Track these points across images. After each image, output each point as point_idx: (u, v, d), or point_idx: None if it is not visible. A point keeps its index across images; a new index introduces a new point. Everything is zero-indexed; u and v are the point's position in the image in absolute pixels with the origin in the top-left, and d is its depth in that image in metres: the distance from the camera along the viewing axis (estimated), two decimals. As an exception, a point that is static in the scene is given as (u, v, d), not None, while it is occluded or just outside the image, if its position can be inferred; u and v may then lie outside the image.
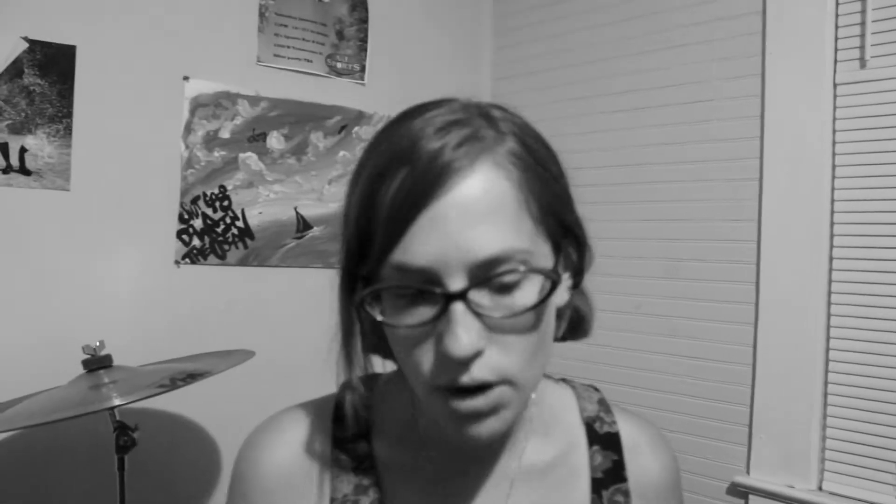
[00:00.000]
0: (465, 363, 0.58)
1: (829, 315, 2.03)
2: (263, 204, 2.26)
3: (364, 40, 2.47)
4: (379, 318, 0.61)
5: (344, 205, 0.65)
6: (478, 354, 0.58)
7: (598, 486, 0.76)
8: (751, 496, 2.12)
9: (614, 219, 2.43)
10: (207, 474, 2.17)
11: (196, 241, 2.13)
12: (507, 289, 0.59)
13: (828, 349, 2.03)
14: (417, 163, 0.57)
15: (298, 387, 2.24)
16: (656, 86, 2.35)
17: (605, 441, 0.79)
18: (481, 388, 0.59)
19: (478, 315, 0.58)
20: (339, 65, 2.41)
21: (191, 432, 2.13)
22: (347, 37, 2.43)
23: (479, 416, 0.61)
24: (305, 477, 0.73)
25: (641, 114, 2.38)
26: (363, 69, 2.47)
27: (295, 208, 2.33)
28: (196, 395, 1.81)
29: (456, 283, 0.57)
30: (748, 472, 2.14)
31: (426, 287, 0.58)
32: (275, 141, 2.27)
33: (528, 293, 0.60)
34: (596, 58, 2.52)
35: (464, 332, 0.57)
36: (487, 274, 0.58)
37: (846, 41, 2.01)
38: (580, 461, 0.77)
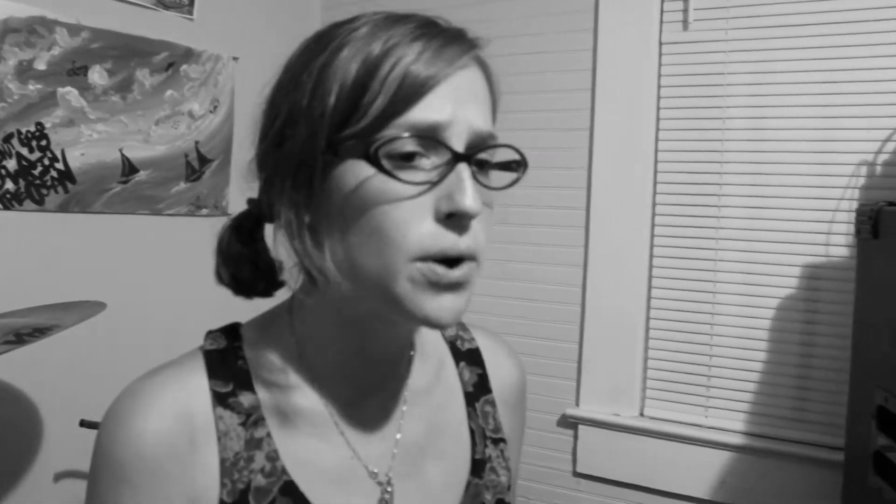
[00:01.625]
0: (467, 226, 0.62)
1: (651, 257, 2.22)
2: (86, 144, 2.07)
3: (192, -28, 2.31)
4: (387, 168, 0.60)
5: (307, 73, 0.65)
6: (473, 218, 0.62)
7: (470, 399, 0.83)
8: (580, 426, 2.29)
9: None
10: (37, 442, 1.99)
11: (10, 185, 1.91)
12: (484, 167, 0.66)
13: (650, 287, 2.22)
14: (445, 34, 0.65)
15: (138, 343, 2.13)
16: (492, 35, 2.39)
17: (468, 357, 0.85)
18: (459, 260, 0.63)
19: (474, 180, 0.63)
20: (165, -3, 2.24)
21: (14, 398, 1.94)
22: (174, -33, 2.26)
23: (455, 287, 0.63)
24: (189, 443, 0.66)
25: (479, 63, 2.42)
26: (192, 3, 2.31)
27: (120, 150, 2.15)
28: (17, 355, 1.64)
29: (459, 145, 0.62)
30: (577, 405, 2.30)
31: (440, 142, 0.62)
32: (97, 76, 2.08)
33: (492, 176, 0.68)
34: (428, 6, 2.52)
35: (474, 189, 0.61)
36: (481, 147, 0.64)
37: (671, 3, 2.18)
38: (451, 378, 0.83)
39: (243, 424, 0.68)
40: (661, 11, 2.18)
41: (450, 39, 0.65)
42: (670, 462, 2.15)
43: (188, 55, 2.31)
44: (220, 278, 0.72)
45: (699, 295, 2.16)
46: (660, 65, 2.18)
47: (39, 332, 1.36)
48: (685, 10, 2.14)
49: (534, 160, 2.31)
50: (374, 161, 0.60)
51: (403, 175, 0.60)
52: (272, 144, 0.66)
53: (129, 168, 2.18)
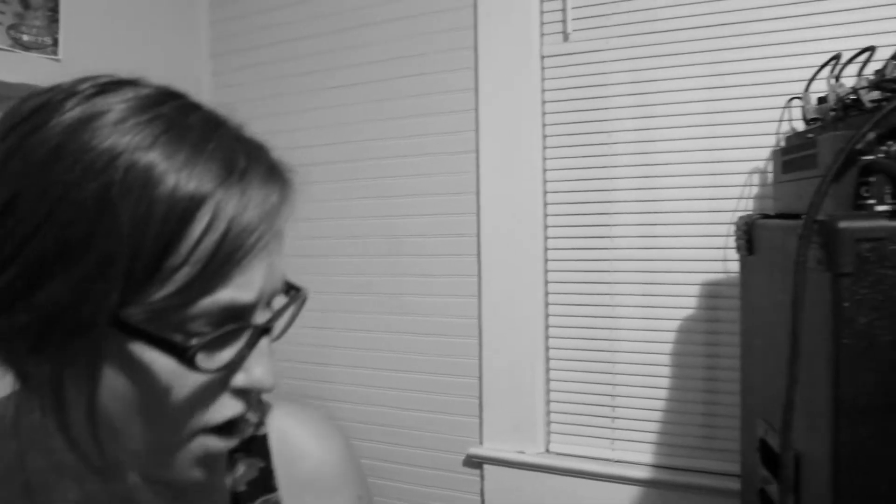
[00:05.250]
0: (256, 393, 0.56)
1: (546, 283, 2.09)
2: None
3: (55, 10, 2.20)
4: (206, 367, 0.50)
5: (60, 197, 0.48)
6: None
7: (240, 500, 0.68)
8: (485, 465, 2.15)
9: (337, 198, 2.36)
10: None
11: None
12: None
13: (547, 315, 2.09)
14: (262, 162, 0.54)
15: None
16: (375, 60, 2.29)
17: (248, 447, 0.70)
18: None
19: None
20: (25, 37, 2.13)
21: None
22: (34, 6, 2.15)
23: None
24: None
25: (361, 89, 2.31)
26: (56, 42, 2.20)
27: (-22, 201, 2.03)
28: None
29: (262, 314, 0.55)
30: (481, 443, 2.16)
31: (246, 324, 0.53)
32: (-55, 124, 1.97)
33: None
34: (317, 32, 2.41)
35: (271, 362, 0.55)
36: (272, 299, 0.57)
37: (550, 15, 2.06)
38: (217, 477, 0.68)
39: None
40: (541, 23, 2.07)
41: (268, 174, 0.54)
42: (579, 500, 2.01)
43: (54, 97, 2.19)
44: None
45: (598, 321, 2.02)
46: (542, 79, 2.06)
47: None
48: (564, 21, 2.03)
49: (422, 187, 2.22)
50: (183, 357, 0.49)
51: (207, 361, 0.51)
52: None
53: None
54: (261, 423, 0.71)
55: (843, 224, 1.07)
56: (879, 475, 1.07)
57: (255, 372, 0.53)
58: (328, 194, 2.36)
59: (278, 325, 0.57)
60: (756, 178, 1.86)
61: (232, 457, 0.69)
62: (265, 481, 0.69)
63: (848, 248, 1.08)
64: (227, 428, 0.55)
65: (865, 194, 1.19)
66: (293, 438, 0.72)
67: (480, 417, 2.16)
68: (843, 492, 1.09)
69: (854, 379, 1.08)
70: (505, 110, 2.09)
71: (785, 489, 1.11)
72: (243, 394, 0.54)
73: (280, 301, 0.59)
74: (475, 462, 2.16)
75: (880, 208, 1.16)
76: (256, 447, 0.70)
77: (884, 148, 1.18)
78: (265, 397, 0.73)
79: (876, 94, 1.29)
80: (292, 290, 0.60)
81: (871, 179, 1.18)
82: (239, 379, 0.53)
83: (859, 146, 1.18)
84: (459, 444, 2.18)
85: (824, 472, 1.12)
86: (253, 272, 0.51)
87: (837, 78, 1.48)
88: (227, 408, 0.54)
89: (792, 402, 1.12)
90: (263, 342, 0.54)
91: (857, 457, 1.08)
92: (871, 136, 1.18)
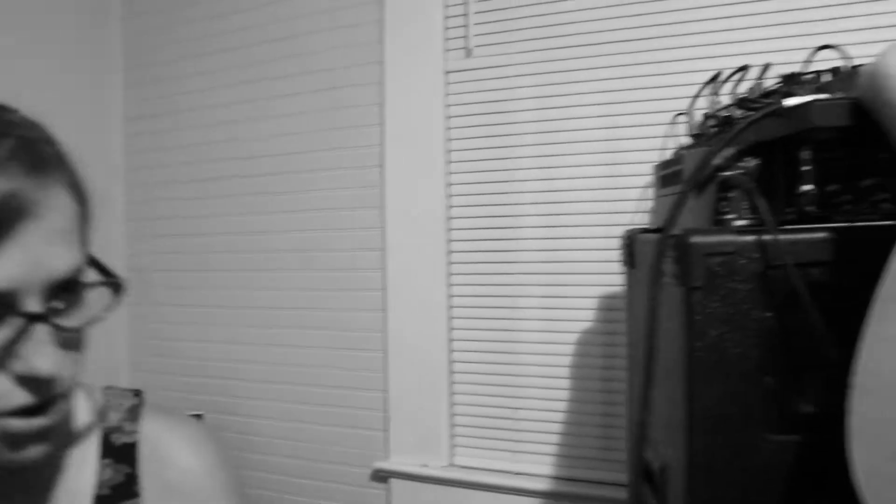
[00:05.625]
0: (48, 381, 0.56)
1: (449, 297, 2.10)
2: None
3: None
4: None
5: None
6: None
7: (103, 503, 0.69)
8: (392, 479, 2.15)
9: (246, 212, 2.35)
10: None
11: None
12: (74, 302, 0.59)
13: (450, 329, 2.10)
14: (24, 160, 0.55)
15: None
16: (283, 75, 2.29)
17: (118, 453, 0.71)
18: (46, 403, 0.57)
19: (56, 329, 0.56)
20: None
21: None
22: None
23: (41, 436, 0.58)
24: None
25: (269, 104, 2.32)
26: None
27: None
28: None
29: (34, 302, 0.55)
30: (388, 457, 2.16)
31: (7, 311, 0.54)
32: None
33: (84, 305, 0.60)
34: (225, 47, 2.40)
35: (52, 350, 0.55)
36: (63, 290, 0.57)
37: (453, 31, 2.09)
38: (86, 479, 0.70)
39: None
40: (445, 39, 2.09)
41: (13, 157, 0.54)
42: (482, 513, 2.03)
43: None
44: None
45: (501, 334, 2.04)
46: (446, 93, 2.08)
47: None
48: (466, 37, 2.06)
49: (330, 201, 2.21)
50: None
51: None
52: None
53: None
54: (133, 431, 0.73)
55: (693, 239, 1.10)
56: (730, 484, 1.09)
57: (30, 360, 0.54)
58: (238, 208, 2.34)
59: (84, 314, 0.59)
60: (650, 193, 1.89)
61: (103, 461, 0.70)
62: (129, 486, 0.70)
63: (698, 262, 1.10)
64: (31, 409, 0.56)
65: (725, 209, 1.22)
66: (163, 446, 0.73)
67: (387, 431, 2.16)
68: (696, 501, 1.11)
69: (706, 391, 1.10)
70: (410, 125, 2.11)
71: (632, 497, 1.13)
72: (31, 382, 0.55)
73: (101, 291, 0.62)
74: (382, 476, 2.16)
75: (738, 223, 1.19)
76: (125, 453, 0.71)
77: (741, 164, 1.21)
78: (147, 408, 0.76)
79: (741, 113, 1.32)
80: (109, 278, 0.62)
81: (730, 195, 1.21)
82: (16, 366, 0.54)
83: (719, 162, 1.21)
84: (367, 459, 2.18)
85: (681, 481, 1.14)
86: (7, 259, 0.52)
87: (716, 95, 1.52)
88: (14, 396, 0.55)
89: (647, 414, 1.14)
90: (41, 329, 0.55)
91: (710, 466, 1.11)
92: (731, 152, 1.21)
